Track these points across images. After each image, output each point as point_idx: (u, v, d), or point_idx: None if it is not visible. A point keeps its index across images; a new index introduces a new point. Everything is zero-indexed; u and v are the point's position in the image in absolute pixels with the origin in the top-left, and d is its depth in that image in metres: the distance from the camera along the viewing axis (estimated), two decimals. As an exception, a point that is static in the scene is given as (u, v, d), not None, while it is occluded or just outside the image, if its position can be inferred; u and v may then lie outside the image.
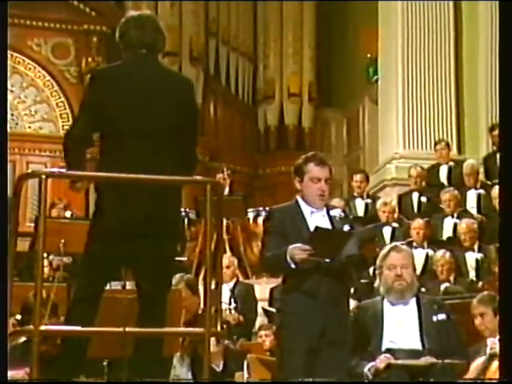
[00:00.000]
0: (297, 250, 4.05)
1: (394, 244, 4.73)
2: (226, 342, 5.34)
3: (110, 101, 3.52)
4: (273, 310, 6.80)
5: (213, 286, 3.15)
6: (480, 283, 7.39)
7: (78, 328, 3.17)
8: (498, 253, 3.50)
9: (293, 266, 4.08)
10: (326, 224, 4.22)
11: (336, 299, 4.14)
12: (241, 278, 8.17)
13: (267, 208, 4.54)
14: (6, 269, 2.97)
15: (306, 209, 4.24)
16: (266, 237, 4.33)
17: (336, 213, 4.26)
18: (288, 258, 4.07)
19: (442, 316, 4.37)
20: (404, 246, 4.69)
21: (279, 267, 4.22)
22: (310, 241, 4.06)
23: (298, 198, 4.29)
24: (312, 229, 4.15)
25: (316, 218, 4.22)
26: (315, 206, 4.24)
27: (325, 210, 4.28)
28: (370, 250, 4.19)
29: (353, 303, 5.97)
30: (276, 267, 4.29)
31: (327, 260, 4.14)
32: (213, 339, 4.85)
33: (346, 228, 4.23)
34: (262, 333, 6.42)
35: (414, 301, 4.42)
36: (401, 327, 4.35)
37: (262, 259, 4.31)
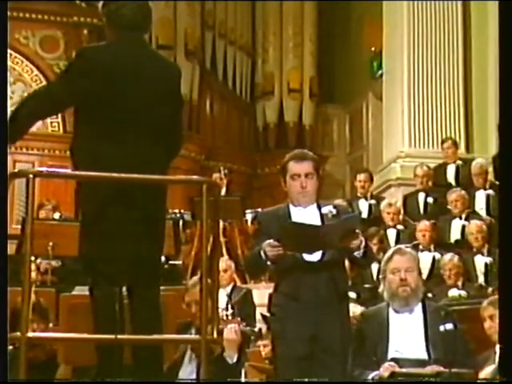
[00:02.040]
0: (268, 247, 4.06)
1: (397, 247, 4.72)
2: (247, 328, 5.33)
3: (96, 81, 3.49)
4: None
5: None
6: (489, 288, 7.39)
7: (66, 334, 3.17)
8: (499, 253, 3.50)
9: (268, 263, 4.10)
10: (315, 222, 4.20)
11: (327, 301, 4.14)
12: (238, 283, 8.16)
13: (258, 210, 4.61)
14: (7, 269, 2.98)
15: (293, 210, 4.26)
16: (253, 240, 4.36)
17: (327, 210, 4.26)
18: (263, 255, 4.08)
19: (449, 325, 4.36)
20: (408, 249, 4.68)
21: (257, 266, 4.25)
22: (284, 236, 4.06)
23: (289, 200, 4.33)
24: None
25: (304, 218, 4.21)
26: (300, 205, 4.24)
27: (315, 207, 4.27)
28: (351, 241, 4.15)
29: (358, 309, 5.98)
30: (254, 266, 4.32)
31: (308, 258, 4.15)
32: (233, 326, 4.87)
33: None
34: (261, 343, 6.44)
35: (420, 308, 4.41)
36: (406, 336, 4.35)
37: (243, 262, 4.34)
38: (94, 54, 3.61)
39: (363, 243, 4.15)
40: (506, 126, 3.37)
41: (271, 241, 4.07)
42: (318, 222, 4.21)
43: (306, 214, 4.24)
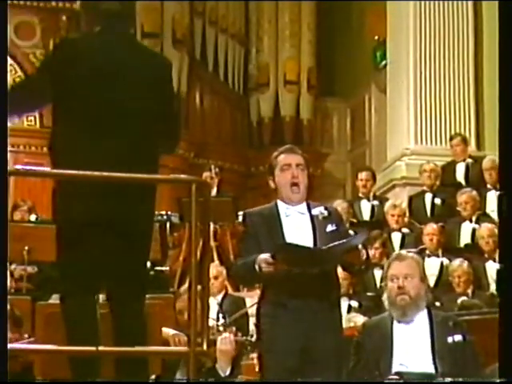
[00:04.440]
0: (263, 263, 4.11)
1: (397, 252, 4.74)
2: (243, 338, 5.34)
3: (78, 73, 3.51)
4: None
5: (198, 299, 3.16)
6: (501, 297, 7.41)
7: (43, 346, 3.17)
8: (498, 252, 3.55)
9: (262, 277, 4.15)
10: (305, 224, 4.26)
11: (317, 309, 4.17)
12: (230, 291, 8.18)
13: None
14: (6, 268, 2.99)
15: (282, 209, 4.30)
16: (239, 244, 4.38)
17: (317, 211, 4.29)
18: (257, 268, 4.12)
19: (457, 337, 4.38)
20: (410, 254, 4.70)
21: (248, 277, 4.28)
22: (279, 254, 4.10)
23: (277, 199, 4.36)
24: (286, 232, 4.21)
25: (293, 219, 4.27)
26: (292, 202, 4.27)
27: (305, 207, 4.31)
28: (354, 257, 4.20)
29: (360, 319, 5.99)
30: (245, 277, 4.36)
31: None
32: (227, 335, 4.88)
33: (330, 228, 4.25)
34: (254, 355, 6.45)
35: (426, 318, 4.43)
36: (412, 348, 4.36)
37: (232, 269, 4.36)
38: (75, 44, 3.63)
39: (364, 256, 4.22)
40: (506, 126, 3.41)
41: (267, 257, 4.09)
42: (307, 224, 4.25)
43: (295, 214, 4.28)
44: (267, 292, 4.25)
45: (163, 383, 3.87)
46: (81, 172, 3.30)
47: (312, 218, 4.27)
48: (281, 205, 4.32)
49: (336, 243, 4.16)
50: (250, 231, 4.30)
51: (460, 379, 4.21)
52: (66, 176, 3.45)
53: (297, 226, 4.25)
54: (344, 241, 4.20)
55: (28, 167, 3.32)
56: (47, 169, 3.55)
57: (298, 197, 4.29)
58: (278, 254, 4.08)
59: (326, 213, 4.29)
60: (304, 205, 4.31)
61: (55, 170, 3.49)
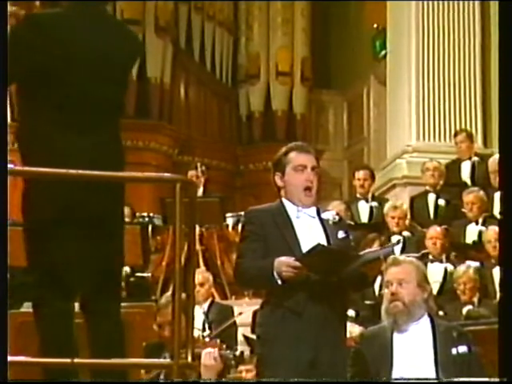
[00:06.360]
0: (284, 267, 4.11)
1: (393, 256, 4.75)
2: (227, 352, 5.36)
3: (48, 56, 3.49)
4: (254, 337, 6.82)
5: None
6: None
7: (15, 358, 3.17)
8: (499, 252, 3.58)
9: (279, 282, 4.13)
10: (316, 228, 4.29)
11: (328, 321, 4.19)
12: (217, 298, 8.19)
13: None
14: (7, 267, 3.03)
15: (291, 209, 4.31)
16: (242, 243, 4.38)
17: (329, 215, 4.33)
18: (275, 273, 4.11)
19: (462, 348, 4.40)
20: (408, 258, 4.73)
21: (261, 282, 4.28)
22: (306, 257, 4.11)
23: (283, 198, 4.36)
24: (299, 234, 4.23)
25: (304, 221, 4.29)
26: (302, 204, 4.29)
27: (315, 210, 4.33)
28: (373, 268, 4.25)
29: (356, 329, 6.00)
30: (257, 281, 4.34)
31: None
32: (211, 350, 4.90)
33: (342, 235, 4.30)
34: (243, 368, 6.46)
35: (428, 328, 4.45)
36: (413, 360, 4.38)
37: (237, 270, 4.33)
38: (46, 23, 3.59)
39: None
40: (507, 125, 3.44)
41: (290, 260, 4.11)
42: (319, 228, 4.29)
43: (305, 216, 4.30)
44: (272, 299, 4.24)
45: (163, 383, 3.88)
46: (80, 172, 3.27)
47: (322, 222, 4.30)
48: (289, 205, 4.32)
49: (368, 250, 4.27)
50: (258, 231, 4.27)
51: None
52: (40, 174, 3.44)
53: (309, 229, 4.28)
54: (376, 249, 4.24)
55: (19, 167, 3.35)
56: (18, 167, 3.53)
57: (310, 200, 4.31)
58: (306, 258, 4.09)
59: (337, 218, 4.34)
60: (314, 208, 4.34)
61: (27, 168, 3.47)
